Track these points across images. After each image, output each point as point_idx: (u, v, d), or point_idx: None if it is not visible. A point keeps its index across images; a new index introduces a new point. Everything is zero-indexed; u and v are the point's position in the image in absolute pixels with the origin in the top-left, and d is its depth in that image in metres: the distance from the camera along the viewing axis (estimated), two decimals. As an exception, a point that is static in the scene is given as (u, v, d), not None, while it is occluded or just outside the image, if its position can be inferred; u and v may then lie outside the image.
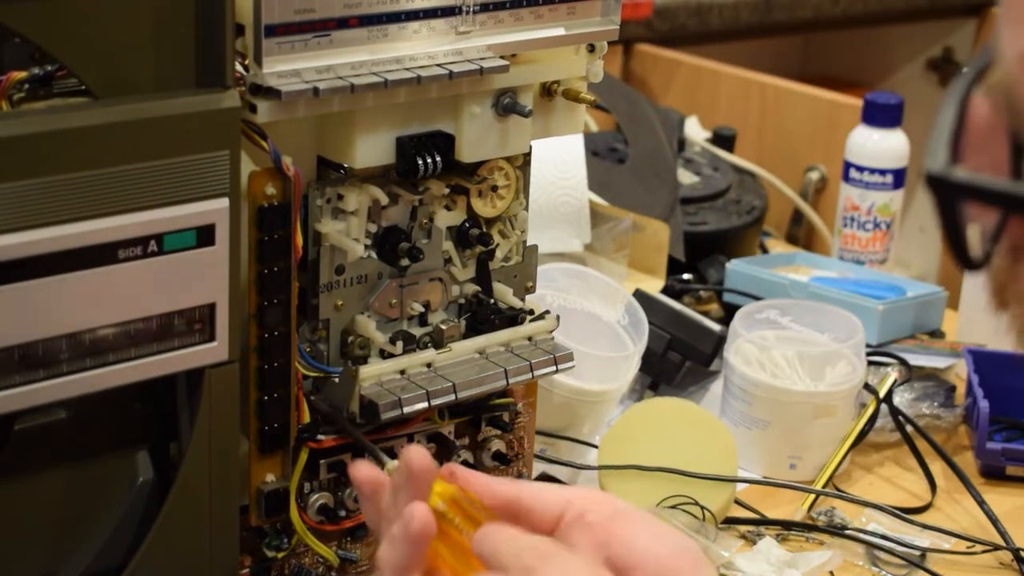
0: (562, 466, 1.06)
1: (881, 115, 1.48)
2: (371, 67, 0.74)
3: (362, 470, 0.69)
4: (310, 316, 0.79)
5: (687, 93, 1.84)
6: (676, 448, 1.02)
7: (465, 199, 0.82)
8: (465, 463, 0.86)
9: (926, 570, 1.00)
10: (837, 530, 1.03)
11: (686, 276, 1.40)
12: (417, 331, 0.82)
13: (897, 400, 1.16)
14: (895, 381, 1.15)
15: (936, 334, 1.32)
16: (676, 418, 1.06)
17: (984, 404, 1.14)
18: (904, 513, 1.06)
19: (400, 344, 0.80)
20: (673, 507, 0.99)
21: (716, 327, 1.20)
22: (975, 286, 1.33)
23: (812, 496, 1.07)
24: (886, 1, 2.12)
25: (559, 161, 1.30)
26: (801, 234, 1.70)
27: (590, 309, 1.13)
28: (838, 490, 1.10)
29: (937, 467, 1.14)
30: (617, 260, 1.32)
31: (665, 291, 1.31)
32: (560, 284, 1.12)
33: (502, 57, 0.78)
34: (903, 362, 1.20)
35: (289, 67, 0.71)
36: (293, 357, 0.76)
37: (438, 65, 0.76)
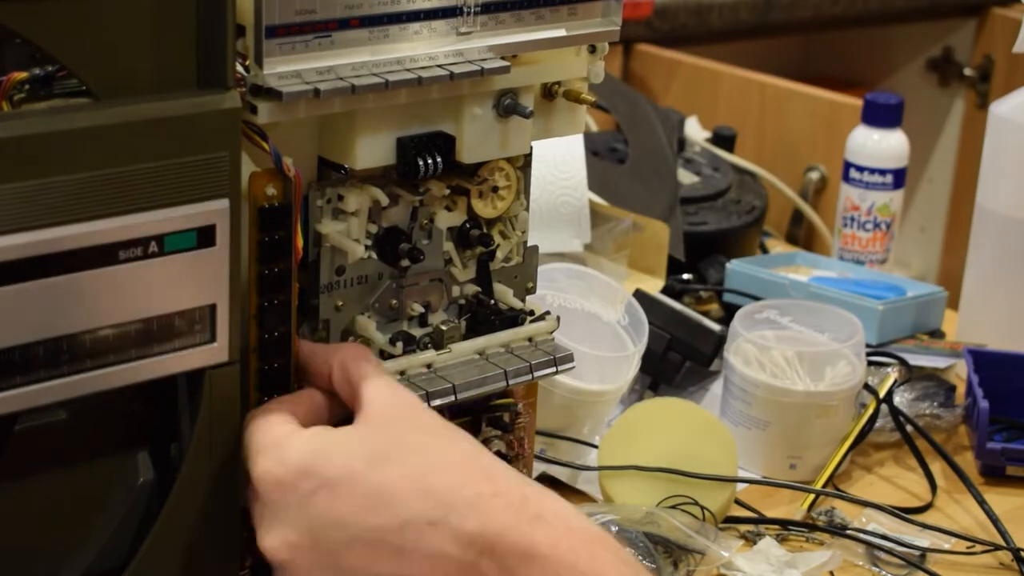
0: (562, 466, 1.06)
1: (881, 115, 1.48)
2: (372, 68, 0.74)
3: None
4: (310, 317, 0.79)
5: (687, 93, 1.84)
6: (676, 448, 1.03)
7: (466, 200, 0.82)
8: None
9: (926, 570, 1.00)
10: (837, 530, 1.04)
11: (686, 276, 1.40)
12: (417, 332, 0.82)
13: (897, 400, 1.16)
14: (895, 381, 1.15)
15: (936, 334, 1.32)
16: (676, 418, 1.06)
17: (984, 404, 1.14)
18: (904, 513, 1.06)
19: (400, 345, 0.80)
20: (673, 507, 0.99)
21: (716, 327, 1.20)
22: (975, 286, 1.33)
23: (812, 496, 1.07)
24: (886, 1, 2.12)
25: (559, 161, 1.30)
26: (801, 234, 1.70)
27: (590, 309, 1.13)
28: (838, 490, 1.10)
29: (937, 467, 1.14)
30: (617, 260, 1.32)
31: (665, 291, 1.31)
32: (560, 284, 1.12)
33: (503, 58, 0.78)
34: (903, 362, 1.20)
35: (290, 68, 0.71)
36: (293, 358, 0.76)
37: (439, 66, 0.76)
